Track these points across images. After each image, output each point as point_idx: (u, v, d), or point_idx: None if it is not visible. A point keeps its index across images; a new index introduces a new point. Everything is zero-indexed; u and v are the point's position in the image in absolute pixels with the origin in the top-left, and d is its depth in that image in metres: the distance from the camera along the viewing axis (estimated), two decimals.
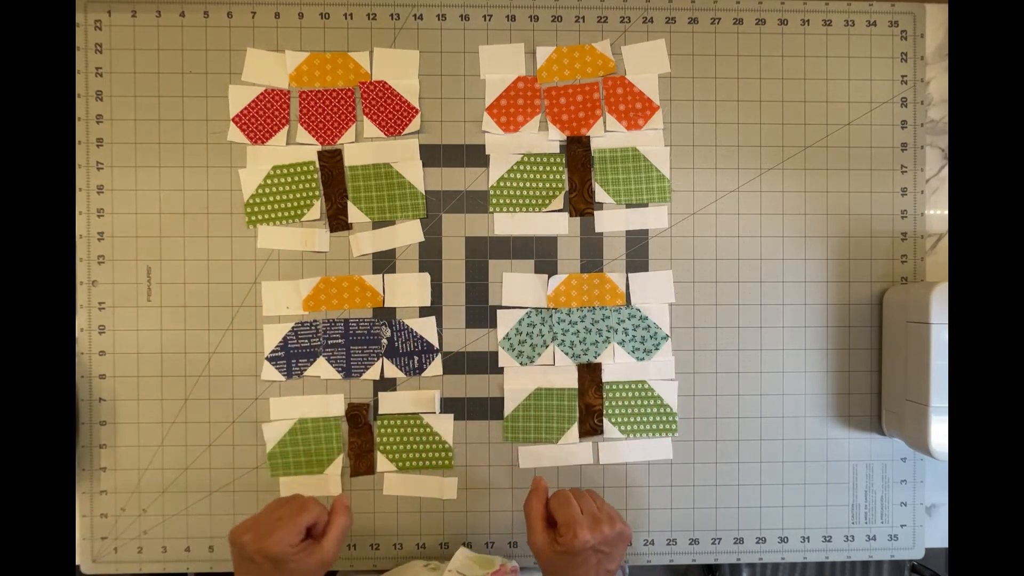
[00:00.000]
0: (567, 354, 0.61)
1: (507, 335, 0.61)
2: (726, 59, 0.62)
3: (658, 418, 0.61)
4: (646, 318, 0.61)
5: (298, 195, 0.60)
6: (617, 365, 0.61)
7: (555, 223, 0.61)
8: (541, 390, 0.61)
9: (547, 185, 0.61)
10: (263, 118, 0.60)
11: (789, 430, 0.62)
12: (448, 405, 0.61)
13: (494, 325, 0.61)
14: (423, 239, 0.61)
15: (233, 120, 0.60)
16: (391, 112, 0.60)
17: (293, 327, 0.60)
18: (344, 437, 0.61)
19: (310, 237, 0.60)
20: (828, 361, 0.62)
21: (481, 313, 0.61)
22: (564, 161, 0.61)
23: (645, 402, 0.61)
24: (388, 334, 0.61)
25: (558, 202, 0.61)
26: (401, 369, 0.61)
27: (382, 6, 0.60)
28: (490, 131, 0.61)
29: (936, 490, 0.63)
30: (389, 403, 0.61)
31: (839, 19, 0.62)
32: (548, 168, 0.61)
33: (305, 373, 0.61)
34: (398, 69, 0.60)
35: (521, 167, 0.61)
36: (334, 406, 0.61)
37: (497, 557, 0.56)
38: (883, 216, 0.62)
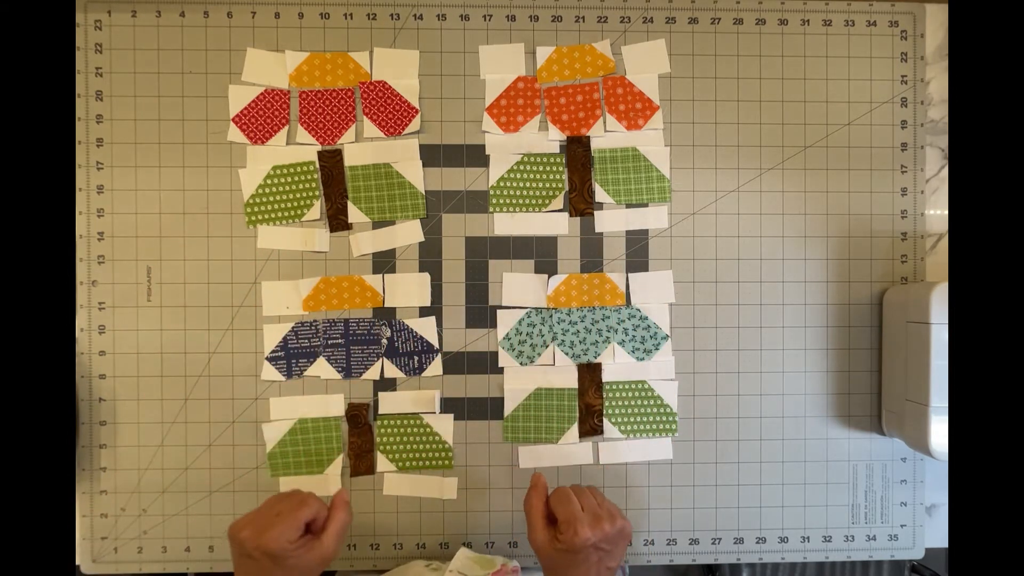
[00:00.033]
0: (567, 354, 0.61)
1: (507, 335, 0.61)
2: (726, 59, 0.62)
3: (658, 418, 0.61)
4: (646, 318, 0.61)
5: (298, 195, 0.60)
6: (617, 365, 0.61)
7: (555, 223, 0.61)
8: (541, 390, 0.61)
9: (547, 185, 0.61)
10: (263, 118, 0.60)
11: (789, 430, 0.62)
12: (448, 405, 0.61)
13: (494, 325, 0.61)
14: (423, 239, 0.61)
15: (233, 120, 0.60)
16: (391, 112, 0.60)
17: (293, 327, 0.60)
18: (344, 437, 0.61)
19: (310, 237, 0.60)
20: (828, 361, 0.62)
21: (481, 313, 0.61)
22: (564, 161, 0.61)
23: (645, 402, 0.61)
24: (388, 334, 0.61)
25: (558, 202, 0.61)
26: (401, 369, 0.61)
27: (382, 6, 0.60)
28: (490, 131, 0.61)
29: (936, 490, 0.63)
30: (389, 403, 0.61)
31: (839, 19, 0.62)
32: (548, 168, 0.61)
33: (305, 373, 0.61)
34: (398, 69, 0.60)
35: (521, 167, 0.61)
36: (334, 406, 0.61)
37: (498, 557, 0.56)
38: (883, 216, 0.62)
